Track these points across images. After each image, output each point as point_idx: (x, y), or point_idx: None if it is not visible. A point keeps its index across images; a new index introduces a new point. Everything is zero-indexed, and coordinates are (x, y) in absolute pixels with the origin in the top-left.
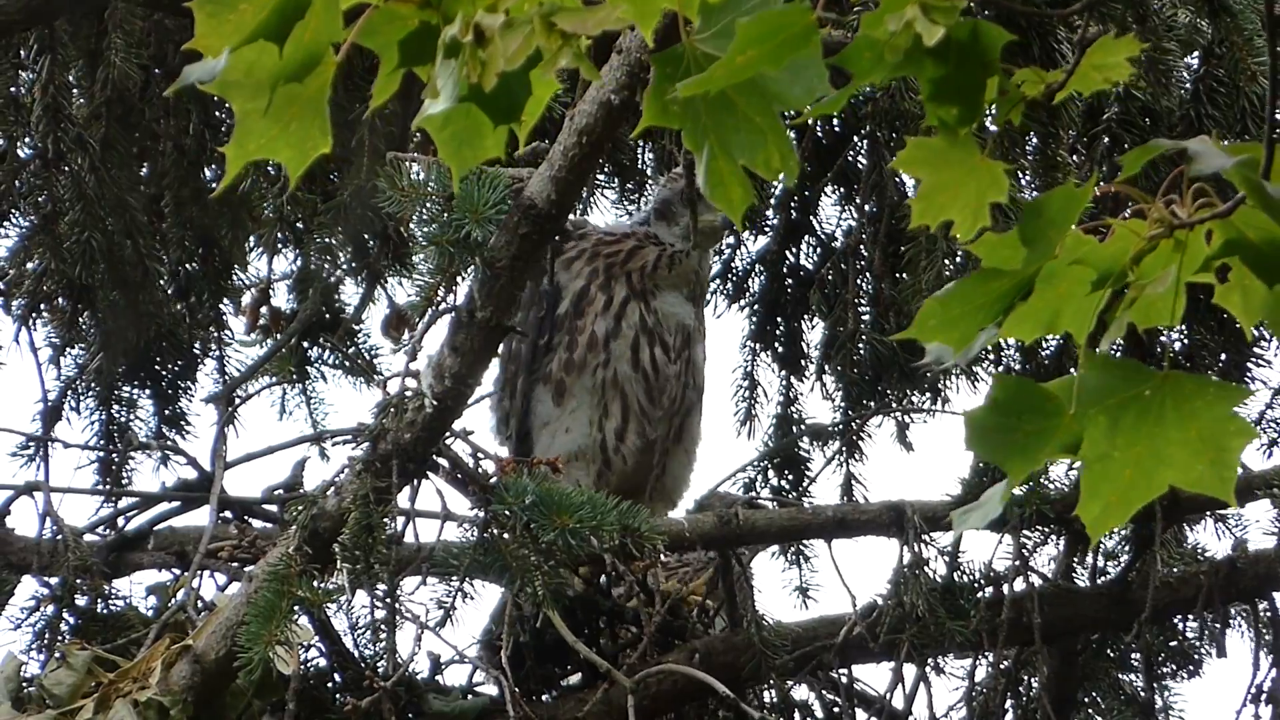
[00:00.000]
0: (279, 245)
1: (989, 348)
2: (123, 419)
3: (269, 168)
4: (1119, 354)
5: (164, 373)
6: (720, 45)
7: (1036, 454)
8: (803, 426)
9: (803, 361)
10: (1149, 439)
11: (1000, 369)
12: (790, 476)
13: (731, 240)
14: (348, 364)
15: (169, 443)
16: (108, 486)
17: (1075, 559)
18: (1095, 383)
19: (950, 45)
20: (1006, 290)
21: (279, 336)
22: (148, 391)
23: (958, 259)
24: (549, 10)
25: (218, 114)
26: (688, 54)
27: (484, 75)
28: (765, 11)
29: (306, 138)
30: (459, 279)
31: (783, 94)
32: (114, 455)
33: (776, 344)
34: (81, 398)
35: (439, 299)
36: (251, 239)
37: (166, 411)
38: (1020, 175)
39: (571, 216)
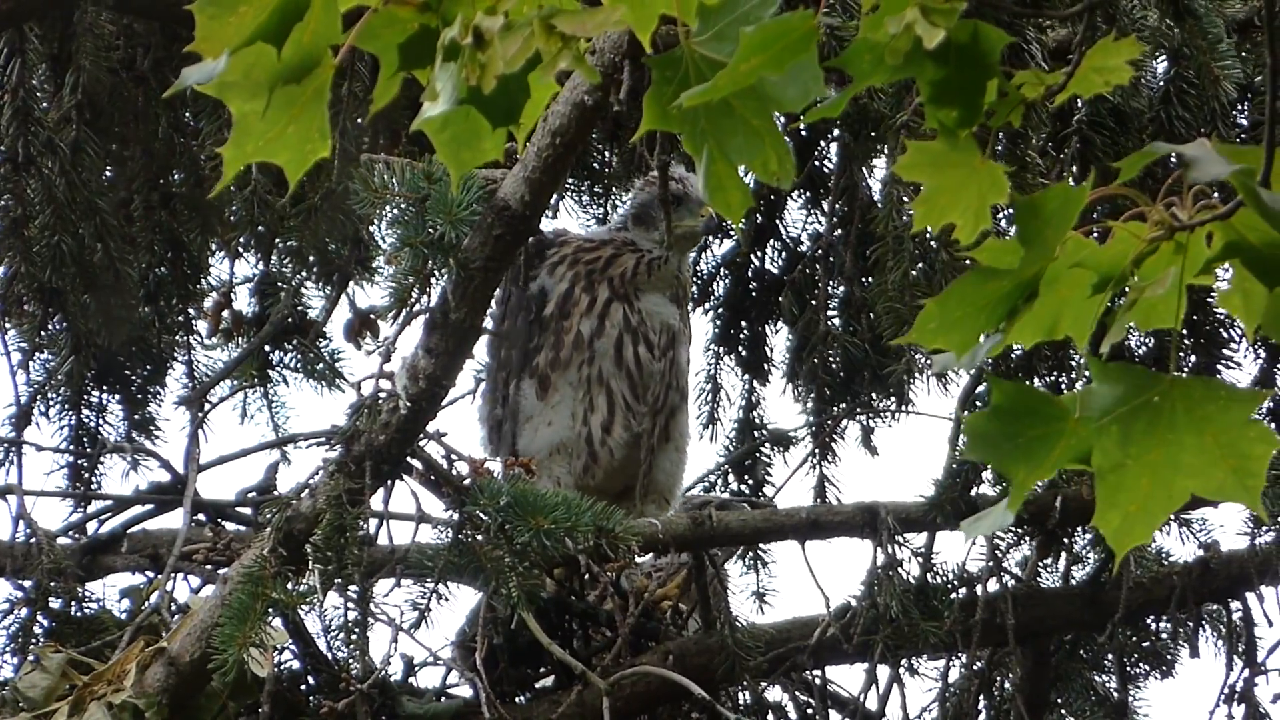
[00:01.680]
0: (240, 249)
1: None
2: (92, 423)
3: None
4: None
5: (133, 377)
6: (718, 48)
7: (1042, 460)
8: (764, 431)
9: (766, 366)
10: (1163, 446)
11: (973, 371)
12: (750, 481)
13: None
14: (310, 367)
15: (142, 445)
16: (84, 490)
17: (1047, 560)
18: (1103, 390)
19: (950, 47)
20: (1007, 291)
21: (240, 340)
22: (117, 396)
23: (928, 257)
24: (548, 13)
25: (186, 117)
26: (686, 57)
27: (483, 78)
28: (767, 21)
29: (305, 140)
30: (433, 280)
31: (779, 97)
32: (82, 460)
33: (740, 348)
34: (50, 402)
35: (413, 300)
36: (214, 243)
37: (136, 416)
38: None
39: (551, 225)
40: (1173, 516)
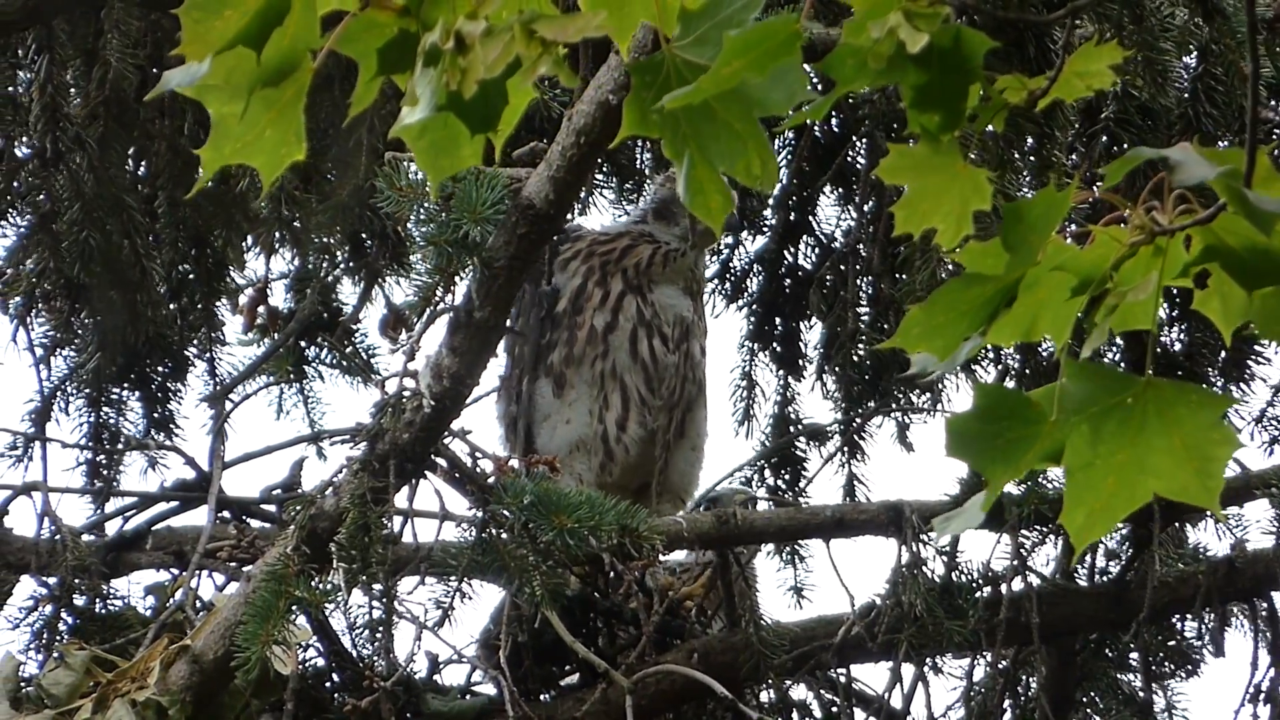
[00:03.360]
0: (276, 245)
1: (988, 348)
2: (112, 421)
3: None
4: (1117, 355)
5: (154, 375)
6: (700, 52)
7: (1018, 461)
8: (800, 426)
9: (800, 361)
10: (1132, 447)
11: (999, 368)
12: (787, 476)
13: (730, 240)
14: (345, 363)
15: (166, 443)
16: (105, 487)
17: (1073, 558)
18: (1077, 390)
19: (933, 52)
20: (990, 296)
21: (276, 335)
22: (137, 394)
23: (952, 264)
24: (529, 17)
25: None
26: (667, 62)
27: (464, 83)
28: (751, 26)
29: (281, 143)
30: (457, 279)
31: (764, 100)
32: (102, 457)
33: (774, 344)
34: (71, 399)
35: (437, 299)
36: (249, 238)
37: (155, 414)
38: (1017, 175)
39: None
40: (1208, 513)
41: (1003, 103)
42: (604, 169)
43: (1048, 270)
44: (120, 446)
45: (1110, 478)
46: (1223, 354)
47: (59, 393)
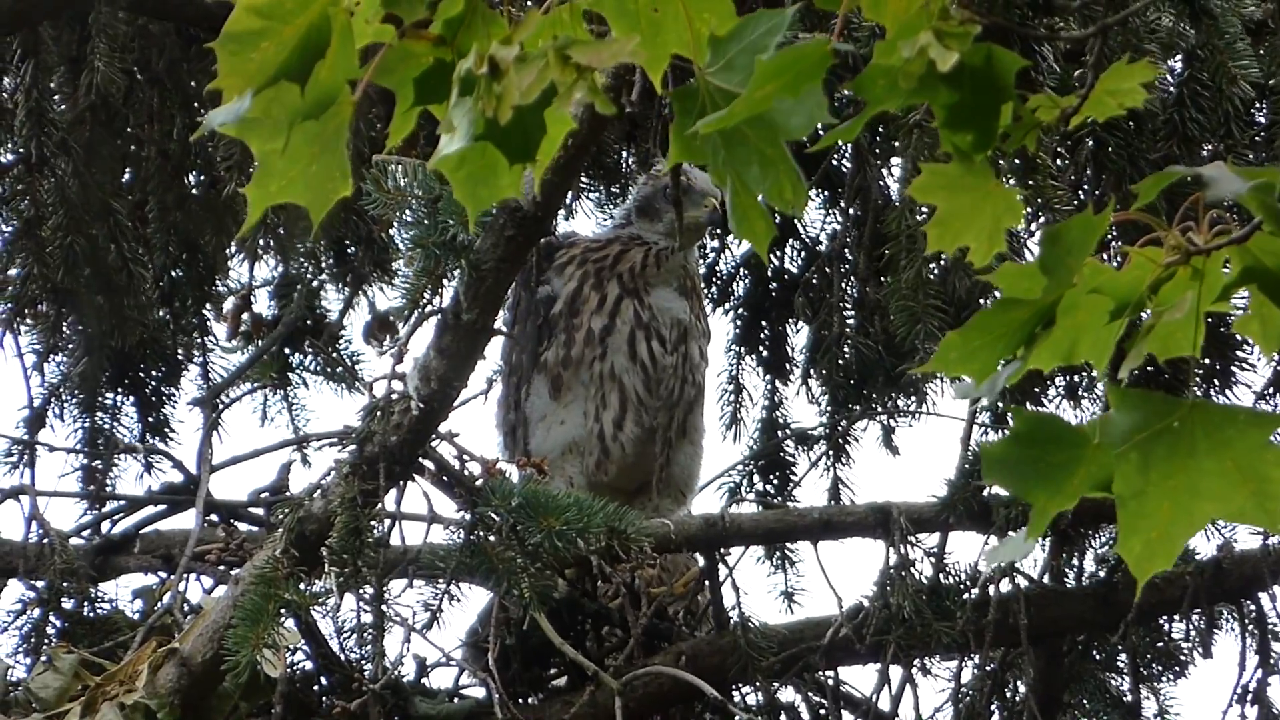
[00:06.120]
0: (259, 251)
1: None
2: (107, 426)
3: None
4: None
5: (148, 379)
6: (729, 78)
7: (1063, 485)
8: (787, 430)
9: (787, 365)
10: (1184, 472)
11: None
12: (775, 480)
13: (715, 244)
14: (330, 369)
15: (155, 446)
16: (96, 491)
17: (1061, 560)
18: (1122, 417)
19: (964, 71)
20: (1026, 319)
21: (260, 342)
22: (131, 399)
23: (941, 260)
24: (563, 43)
25: (201, 119)
26: (701, 89)
27: (499, 108)
28: (784, 49)
29: (327, 179)
30: (445, 281)
31: (785, 124)
32: (97, 462)
33: (761, 348)
34: (65, 404)
35: (425, 301)
36: (233, 245)
37: (150, 418)
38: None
39: (559, 229)
40: None
41: (1035, 121)
42: (589, 172)
43: (1085, 293)
44: (110, 451)
45: (1165, 504)
46: (1205, 360)
47: (54, 398)
